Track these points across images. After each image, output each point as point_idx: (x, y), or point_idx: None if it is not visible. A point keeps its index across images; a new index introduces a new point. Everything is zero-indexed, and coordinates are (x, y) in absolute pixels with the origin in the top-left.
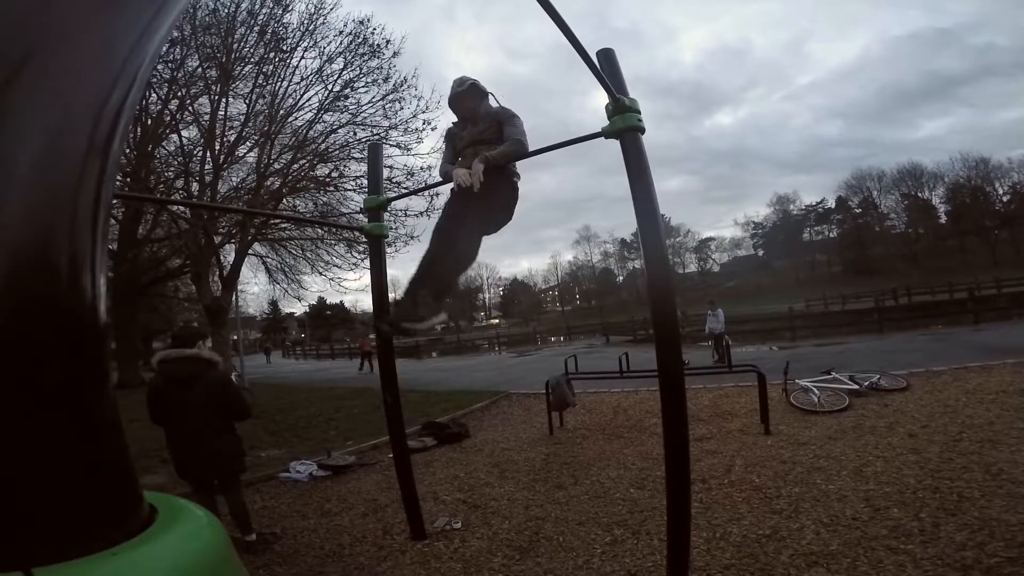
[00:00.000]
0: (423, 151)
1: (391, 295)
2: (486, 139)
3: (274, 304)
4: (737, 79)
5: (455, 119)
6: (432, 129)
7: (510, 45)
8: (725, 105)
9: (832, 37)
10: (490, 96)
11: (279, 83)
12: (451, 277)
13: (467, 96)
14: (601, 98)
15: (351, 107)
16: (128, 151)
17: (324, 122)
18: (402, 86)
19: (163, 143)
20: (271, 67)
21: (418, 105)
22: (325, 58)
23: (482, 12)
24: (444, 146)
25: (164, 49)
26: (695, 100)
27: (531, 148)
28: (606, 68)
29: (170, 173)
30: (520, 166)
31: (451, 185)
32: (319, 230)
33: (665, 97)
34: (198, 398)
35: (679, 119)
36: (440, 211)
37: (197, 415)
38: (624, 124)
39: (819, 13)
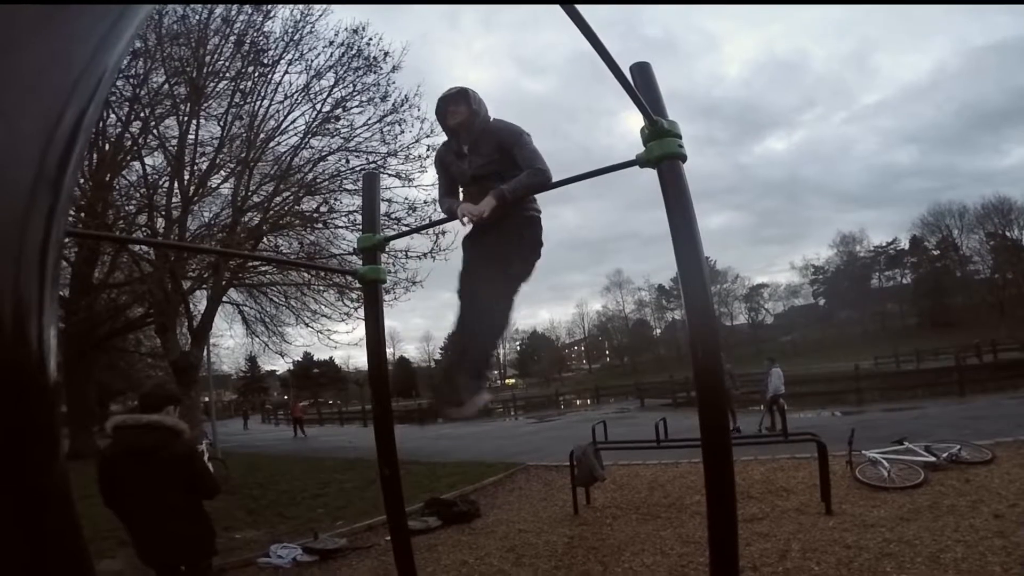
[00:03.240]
0: (427, 182)
1: (390, 351)
2: (492, 171)
3: (252, 360)
4: (791, 98)
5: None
6: None
7: (523, 56)
8: (777, 128)
9: (903, 48)
10: (484, 108)
11: (259, 102)
12: (489, 349)
13: (454, 102)
14: (631, 119)
15: (343, 130)
16: (83, 181)
17: (311, 148)
18: (402, 106)
19: (123, 172)
20: (250, 83)
21: (421, 128)
22: (313, 73)
23: (490, 17)
24: (436, 174)
25: (125, 62)
26: (742, 122)
27: (557, 178)
28: (641, 85)
29: (131, 207)
30: (538, 197)
31: (459, 223)
32: (305, 274)
33: (706, 118)
34: (158, 473)
35: (723, 144)
36: (446, 251)
37: (157, 493)
38: (662, 151)
39: (887, 20)
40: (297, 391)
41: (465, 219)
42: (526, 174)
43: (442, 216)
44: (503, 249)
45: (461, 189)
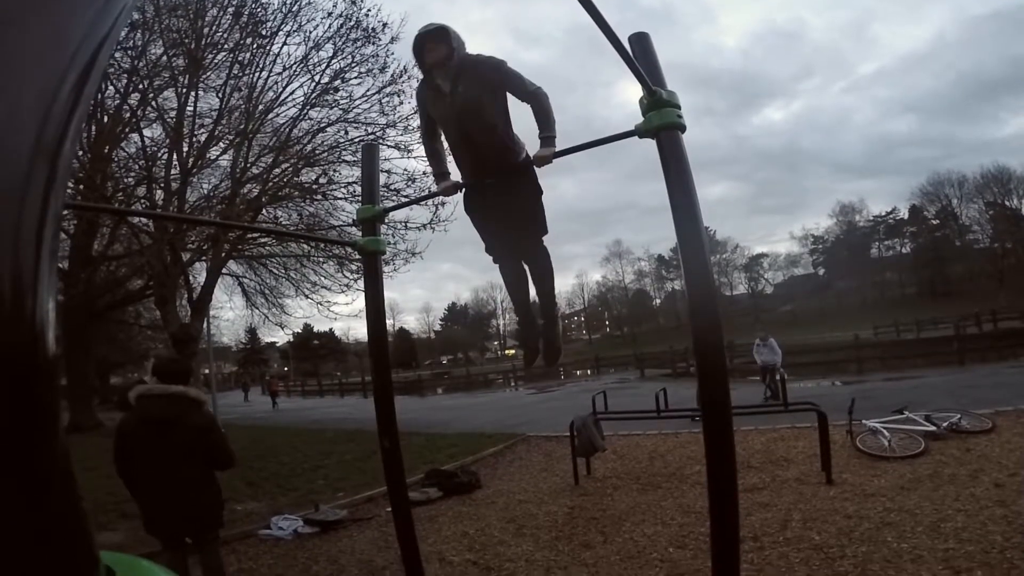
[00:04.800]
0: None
1: (389, 322)
2: (474, 106)
3: (252, 332)
4: (789, 68)
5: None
6: None
7: (520, 27)
8: (775, 98)
9: (901, 18)
10: (463, 45)
11: (257, 73)
12: (552, 295)
13: (433, 39)
14: (629, 91)
15: (342, 101)
16: (81, 153)
17: (310, 119)
18: (401, 77)
19: (122, 144)
20: (248, 55)
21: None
22: (311, 44)
23: None
24: (419, 115)
25: (123, 34)
26: (740, 92)
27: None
28: (640, 55)
29: (130, 179)
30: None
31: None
32: (305, 245)
33: (704, 89)
34: (177, 444)
35: (721, 115)
36: (445, 223)
37: (174, 463)
38: (661, 121)
39: None
40: (298, 363)
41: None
42: (540, 104)
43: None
44: (527, 206)
45: (441, 130)
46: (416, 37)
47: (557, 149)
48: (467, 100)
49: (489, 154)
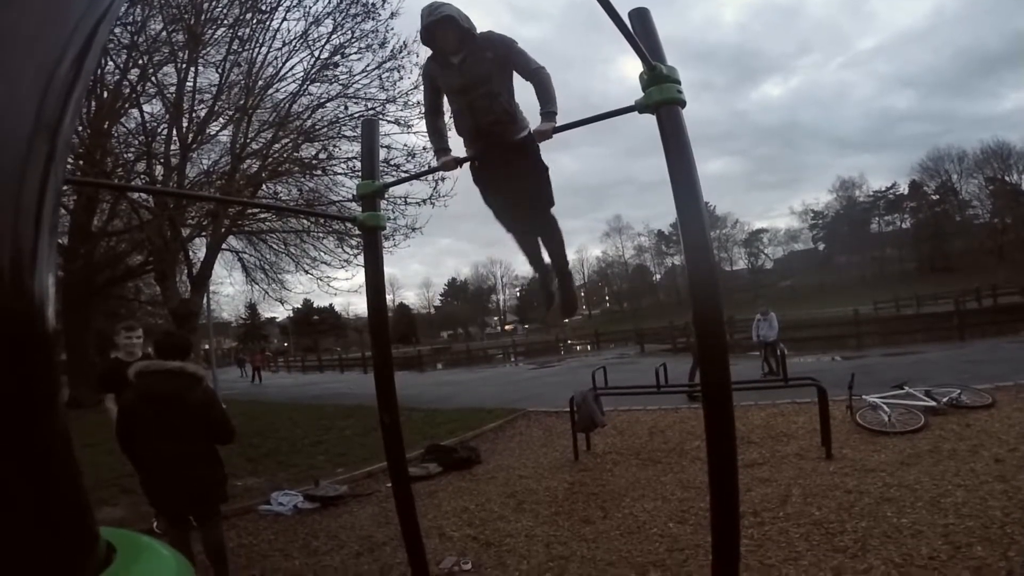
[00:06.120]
0: (425, 129)
1: (389, 297)
2: (483, 82)
3: (252, 308)
4: (788, 43)
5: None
6: None
7: (517, 3)
8: (774, 73)
9: None
10: (472, 24)
11: (257, 49)
12: (565, 259)
13: (442, 27)
14: (627, 66)
15: (342, 77)
16: (81, 129)
17: (310, 94)
18: (401, 52)
19: (122, 119)
20: (248, 30)
21: (420, 75)
22: (311, 19)
23: None
24: (423, 88)
25: (123, 9)
26: (738, 67)
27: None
28: (640, 31)
29: (130, 154)
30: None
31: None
32: (304, 221)
33: (703, 64)
34: (177, 419)
35: (719, 90)
36: (445, 198)
37: (175, 439)
38: (661, 96)
39: None
40: (298, 338)
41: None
42: (541, 82)
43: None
44: (531, 182)
45: (447, 99)
46: (424, 24)
47: (558, 124)
48: (476, 69)
49: (491, 121)
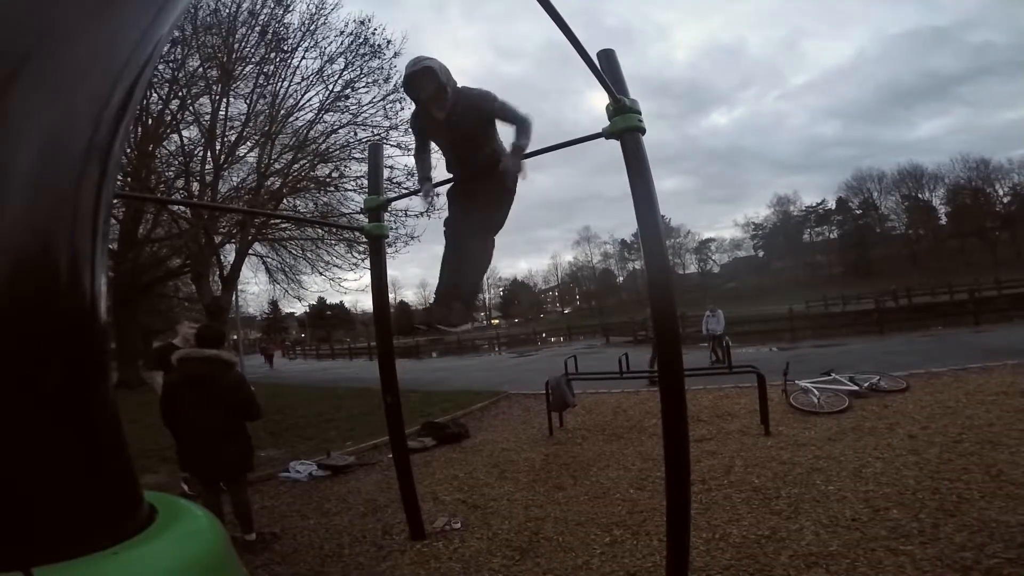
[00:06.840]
0: (414, 161)
1: (391, 296)
2: (469, 132)
3: (274, 304)
4: (731, 78)
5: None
6: None
7: (501, 44)
8: (720, 104)
9: (827, 35)
10: (451, 78)
11: (280, 83)
12: (478, 284)
13: (419, 80)
14: (596, 98)
15: (352, 107)
16: (129, 151)
17: (325, 122)
18: (402, 87)
19: (164, 143)
20: (272, 67)
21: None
22: (326, 58)
23: (472, 11)
24: (413, 134)
25: (165, 49)
26: (689, 99)
27: (529, 149)
28: (606, 69)
29: (171, 173)
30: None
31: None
32: (319, 230)
33: (659, 96)
34: (212, 398)
35: (673, 118)
36: (439, 210)
37: (210, 415)
38: (625, 125)
39: (813, 11)
40: (313, 330)
41: (519, 177)
42: (521, 125)
43: (437, 179)
44: (491, 203)
45: (433, 144)
46: (405, 77)
47: (535, 149)
48: (463, 129)
49: (477, 165)
